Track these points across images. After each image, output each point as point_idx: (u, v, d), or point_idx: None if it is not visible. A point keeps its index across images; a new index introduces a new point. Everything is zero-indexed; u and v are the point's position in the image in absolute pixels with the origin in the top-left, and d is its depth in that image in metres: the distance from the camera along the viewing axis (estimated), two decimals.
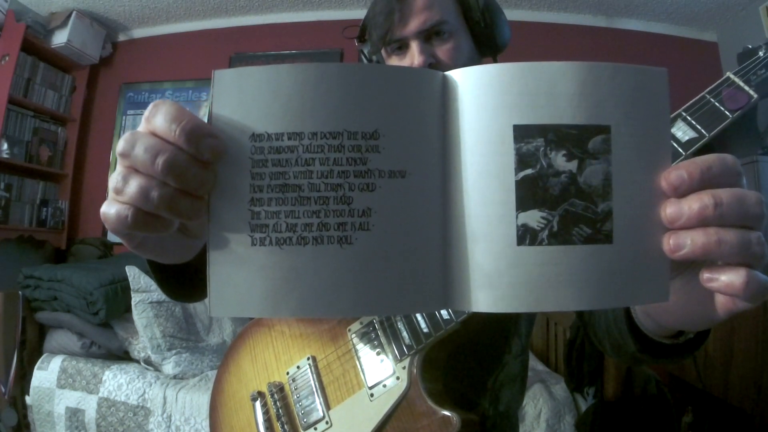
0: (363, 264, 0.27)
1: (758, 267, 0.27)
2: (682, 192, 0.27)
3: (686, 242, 0.27)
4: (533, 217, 0.27)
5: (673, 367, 2.24)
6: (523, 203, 0.27)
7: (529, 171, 0.27)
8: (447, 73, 0.29)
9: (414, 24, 0.64)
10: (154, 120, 0.27)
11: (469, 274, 0.28)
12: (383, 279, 0.27)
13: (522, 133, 0.27)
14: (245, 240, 0.27)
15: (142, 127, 0.28)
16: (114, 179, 0.27)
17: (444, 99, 0.29)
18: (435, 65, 0.65)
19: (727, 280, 0.27)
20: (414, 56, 0.65)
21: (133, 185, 0.26)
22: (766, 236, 0.28)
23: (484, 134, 0.28)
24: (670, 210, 0.27)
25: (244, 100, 0.27)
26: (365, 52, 0.77)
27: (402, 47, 0.67)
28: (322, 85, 0.27)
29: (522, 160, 0.27)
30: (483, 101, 0.28)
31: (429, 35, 0.66)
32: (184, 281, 0.50)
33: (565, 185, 0.27)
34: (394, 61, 0.69)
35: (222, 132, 0.27)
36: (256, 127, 0.27)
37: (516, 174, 0.27)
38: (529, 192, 0.27)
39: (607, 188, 0.27)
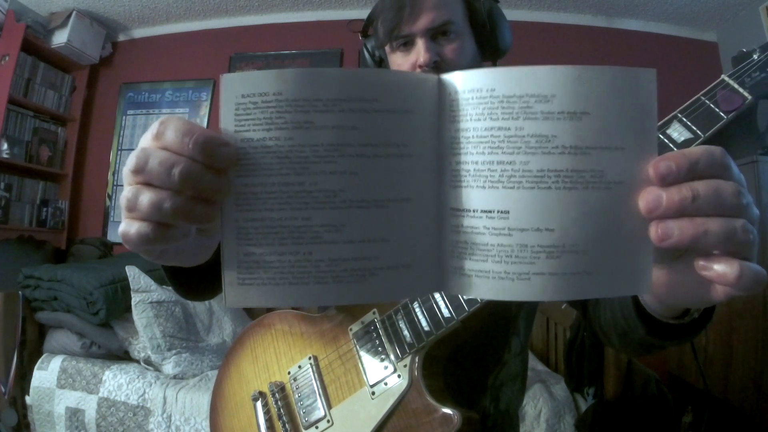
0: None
1: (748, 253, 0.28)
2: (669, 182, 0.28)
3: (674, 231, 0.27)
4: None
5: (672, 367, 2.24)
6: None
7: None
8: (443, 76, 0.30)
9: (423, 21, 0.65)
10: (165, 136, 0.27)
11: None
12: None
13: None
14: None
15: (150, 144, 0.28)
16: (125, 198, 0.28)
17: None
18: (440, 63, 0.66)
19: (720, 270, 0.28)
20: (420, 53, 0.65)
21: (146, 199, 0.27)
22: (761, 226, 0.28)
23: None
24: (650, 197, 0.28)
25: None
26: (368, 46, 0.78)
27: (407, 44, 0.68)
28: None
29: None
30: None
31: (436, 34, 0.66)
32: (201, 281, 0.51)
33: None
34: (398, 56, 0.69)
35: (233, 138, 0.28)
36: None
37: None
38: None
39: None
